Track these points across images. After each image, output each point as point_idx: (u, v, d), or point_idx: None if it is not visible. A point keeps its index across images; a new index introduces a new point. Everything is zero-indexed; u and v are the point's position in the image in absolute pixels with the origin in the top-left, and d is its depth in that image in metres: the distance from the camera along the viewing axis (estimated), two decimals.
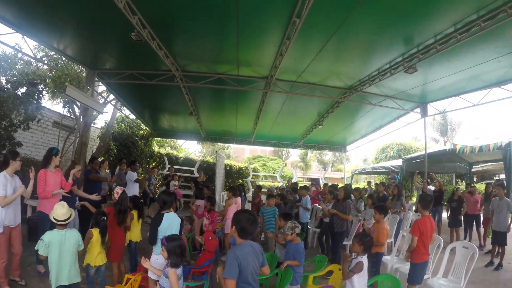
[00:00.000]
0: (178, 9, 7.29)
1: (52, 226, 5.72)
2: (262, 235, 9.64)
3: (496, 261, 8.87)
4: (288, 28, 7.52)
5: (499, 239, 8.87)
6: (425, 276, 6.04)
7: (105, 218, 5.36)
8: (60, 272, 4.43)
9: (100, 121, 21.87)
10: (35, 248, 4.46)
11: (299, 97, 12.79)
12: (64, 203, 4.84)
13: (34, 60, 13.89)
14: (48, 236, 4.44)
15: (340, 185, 16.88)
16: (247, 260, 3.47)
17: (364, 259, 4.83)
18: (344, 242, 8.73)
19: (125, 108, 17.55)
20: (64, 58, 14.17)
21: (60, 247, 4.45)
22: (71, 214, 4.73)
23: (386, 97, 13.10)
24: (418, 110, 14.58)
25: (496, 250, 9.06)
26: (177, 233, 4.96)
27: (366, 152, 64.65)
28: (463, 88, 11.75)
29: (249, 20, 7.47)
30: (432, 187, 13.09)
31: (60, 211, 4.62)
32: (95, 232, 5.12)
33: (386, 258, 7.29)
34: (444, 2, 6.71)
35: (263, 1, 6.76)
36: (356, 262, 4.77)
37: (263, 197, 13.02)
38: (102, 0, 6.69)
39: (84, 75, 13.22)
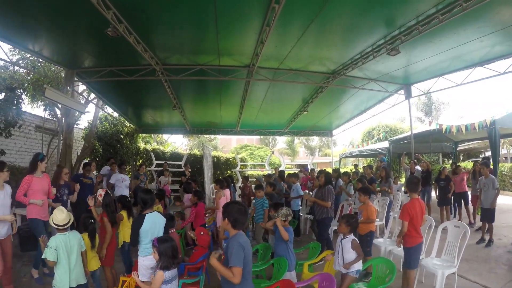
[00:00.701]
0: (154, 0, 7.08)
1: (46, 229, 5.61)
2: (254, 226, 9.57)
3: (487, 237, 9.04)
4: (268, 15, 7.40)
5: (486, 216, 9.06)
6: None
7: (92, 221, 5.30)
8: (70, 274, 4.42)
9: (83, 122, 21.50)
10: (43, 257, 4.39)
11: (283, 84, 12.71)
12: (63, 208, 4.80)
13: (10, 65, 13.59)
14: (54, 241, 4.39)
15: (329, 169, 16.89)
16: (249, 249, 3.57)
17: (353, 236, 5.14)
18: (336, 227, 8.72)
19: (107, 106, 17.23)
20: (41, 60, 13.86)
21: (67, 250, 4.44)
22: (70, 218, 4.69)
23: (369, 80, 13.09)
24: (402, 91, 14.62)
25: (485, 227, 9.22)
26: (161, 233, 4.80)
27: (352, 135, 65.28)
28: (446, 68, 11.81)
29: (227, 8, 7.35)
30: (419, 168, 13.18)
31: (60, 216, 4.59)
32: (85, 237, 5.04)
33: (379, 240, 7.37)
34: None
35: None
36: (352, 241, 5.01)
37: (253, 187, 13.01)
38: None
39: (62, 75, 12.94)
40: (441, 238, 6.37)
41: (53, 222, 4.54)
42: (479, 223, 10.11)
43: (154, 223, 4.77)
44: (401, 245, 5.62)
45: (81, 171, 10.52)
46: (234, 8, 7.44)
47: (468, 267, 7.13)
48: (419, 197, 5.74)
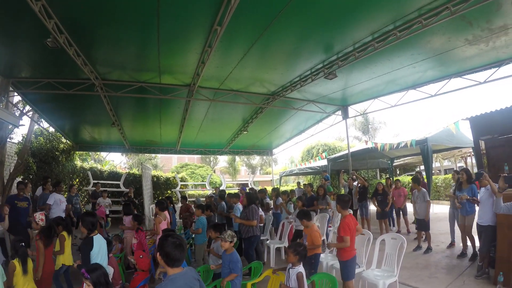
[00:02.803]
0: (97, 15, 6.93)
1: None
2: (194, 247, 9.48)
3: (424, 245, 9.61)
4: (210, 36, 7.51)
5: (422, 226, 9.68)
6: (360, 269, 6.42)
7: (23, 244, 5.01)
8: None
9: (17, 135, 20.32)
10: None
11: (223, 104, 12.84)
12: None
13: None
14: None
15: (269, 188, 17.01)
16: None
17: (301, 268, 5.00)
18: (278, 245, 9.19)
19: (43, 120, 16.30)
20: None
21: None
22: None
23: (308, 101, 13.54)
24: (339, 112, 15.21)
25: (422, 236, 9.95)
26: (106, 255, 4.73)
27: (292, 154, 66.31)
28: (381, 91, 12.51)
29: (170, 27, 7.35)
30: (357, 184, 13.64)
31: None
32: (17, 264, 4.78)
33: (320, 256, 7.45)
34: (363, 13, 7.07)
35: (184, 9, 6.66)
36: (297, 274, 4.91)
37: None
38: (15, 2, 6.18)
39: None
40: (380, 250, 6.60)
41: None
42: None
43: (101, 245, 4.70)
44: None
45: (14, 191, 9.81)
46: (176, 28, 7.44)
47: (409, 274, 7.42)
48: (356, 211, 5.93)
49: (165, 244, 3.14)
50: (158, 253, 3.18)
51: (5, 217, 7.10)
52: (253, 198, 8.44)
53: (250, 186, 18.93)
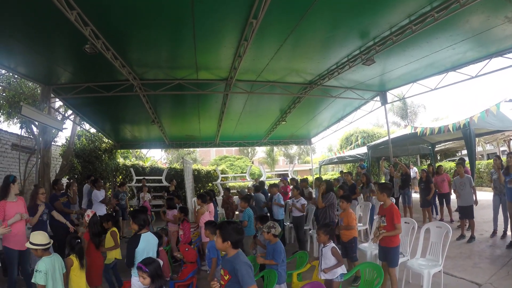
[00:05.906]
0: (131, 17, 7.09)
1: (21, 261, 5.48)
2: None
3: (467, 234, 9.34)
4: (245, 30, 7.50)
5: (467, 213, 9.36)
6: (404, 258, 6.40)
7: (79, 240, 5.19)
8: None
9: (61, 138, 21.01)
10: (32, 281, 4.34)
11: (260, 96, 12.86)
12: (42, 232, 4.73)
13: None
14: (44, 265, 4.34)
15: (309, 177, 16.90)
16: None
17: (333, 244, 5.36)
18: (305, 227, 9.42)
19: (84, 122, 16.96)
20: (16, 76, 13.61)
21: (53, 273, 4.40)
22: (50, 240, 4.64)
23: (346, 88, 13.36)
24: (378, 98, 14.96)
25: (465, 224, 9.63)
26: (155, 253, 4.85)
27: (330, 142, 65.89)
28: (420, 74, 12.20)
29: (205, 24, 7.40)
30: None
31: (41, 235, 4.58)
32: (74, 259, 4.96)
33: (364, 245, 7.53)
34: None
35: (219, 5, 6.69)
36: (331, 249, 5.21)
37: (235, 198, 13.09)
38: (52, 13, 6.28)
39: (39, 92, 12.70)
40: (424, 239, 6.52)
41: (31, 243, 4.47)
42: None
43: (148, 242, 4.79)
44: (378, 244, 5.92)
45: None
46: (212, 24, 7.49)
47: (453, 264, 7.32)
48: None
49: (231, 231, 3.57)
50: (225, 240, 3.52)
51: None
52: (332, 186, 8.58)
53: (290, 176, 18.89)
